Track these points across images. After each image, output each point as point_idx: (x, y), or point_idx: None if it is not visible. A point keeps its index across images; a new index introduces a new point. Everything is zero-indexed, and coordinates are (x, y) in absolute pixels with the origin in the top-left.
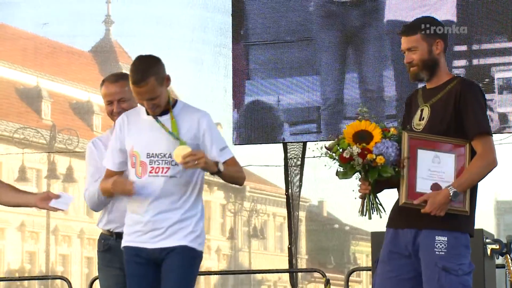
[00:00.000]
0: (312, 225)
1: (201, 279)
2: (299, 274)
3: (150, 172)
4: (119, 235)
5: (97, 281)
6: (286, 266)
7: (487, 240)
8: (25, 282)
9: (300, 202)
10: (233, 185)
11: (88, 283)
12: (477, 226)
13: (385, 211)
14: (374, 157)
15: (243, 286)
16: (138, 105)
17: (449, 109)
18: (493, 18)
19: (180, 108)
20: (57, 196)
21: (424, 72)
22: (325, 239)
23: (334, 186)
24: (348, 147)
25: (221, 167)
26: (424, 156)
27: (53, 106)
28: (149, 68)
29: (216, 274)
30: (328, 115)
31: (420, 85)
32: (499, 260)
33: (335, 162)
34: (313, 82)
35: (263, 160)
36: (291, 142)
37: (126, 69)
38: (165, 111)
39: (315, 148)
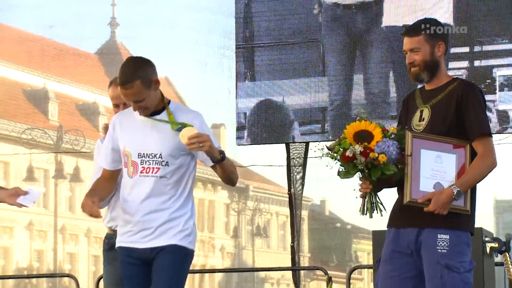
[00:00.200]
0: (314, 224)
1: (206, 276)
2: (302, 272)
3: (141, 172)
4: None
5: None
6: (289, 264)
7: (486, 239)
8: (34, 280)
9: (303, 202)
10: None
11: (95, 281)
12: (476, 224)
13: (385, 210)
14: (376, 155)
15: (247, 283)
16: None
17: (450, 110)
18: (490, 20)
19: (173, 108)
20: (25, 193)
21: (425, 73)
22: (327, 238)
23: (336, 186)
24: (351, 147)
25: (224, 156)
26: (427, 156)
27: (60, 107)
28: (135, 71)
29: (220, 272)
30: (334, 116)
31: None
32: (498, 258)
33: (336, 162)
34: (319, 84)
35: (266, 160)
36: (295, 143)
37: None
38: (158, 111)
39: (317, 149)
